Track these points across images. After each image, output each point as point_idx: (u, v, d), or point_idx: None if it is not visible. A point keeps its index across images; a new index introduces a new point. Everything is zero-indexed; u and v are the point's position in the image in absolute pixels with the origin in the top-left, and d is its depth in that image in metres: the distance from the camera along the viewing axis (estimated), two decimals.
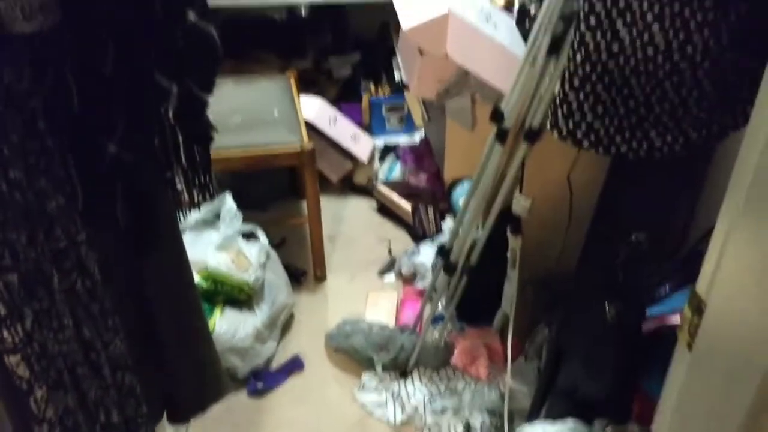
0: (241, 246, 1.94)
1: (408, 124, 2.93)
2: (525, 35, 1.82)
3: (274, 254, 2.09)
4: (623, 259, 1.24)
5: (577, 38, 0.99)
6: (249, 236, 2.03)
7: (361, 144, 2.69)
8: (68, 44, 0.89)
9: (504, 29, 1.80)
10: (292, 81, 2.45)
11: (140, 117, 1.07)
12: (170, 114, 1.13)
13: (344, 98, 2.97)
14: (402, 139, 2.88)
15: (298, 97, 2.37)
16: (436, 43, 1.64)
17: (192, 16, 1.12)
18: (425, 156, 2.64)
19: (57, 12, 0.79)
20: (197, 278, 1.77)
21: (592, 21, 0.96)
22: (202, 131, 1.22)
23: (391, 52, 2.73)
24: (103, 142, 1.01)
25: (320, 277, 2.27)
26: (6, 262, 0.81)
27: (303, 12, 3.01)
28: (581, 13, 0.98)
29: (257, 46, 2.90)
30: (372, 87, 2.94)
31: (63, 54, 0.89)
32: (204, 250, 1.86)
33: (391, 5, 1.82)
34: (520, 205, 1.59)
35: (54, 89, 0.91)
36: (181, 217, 1.28)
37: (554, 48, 1.34)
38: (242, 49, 2.83)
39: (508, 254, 1.68)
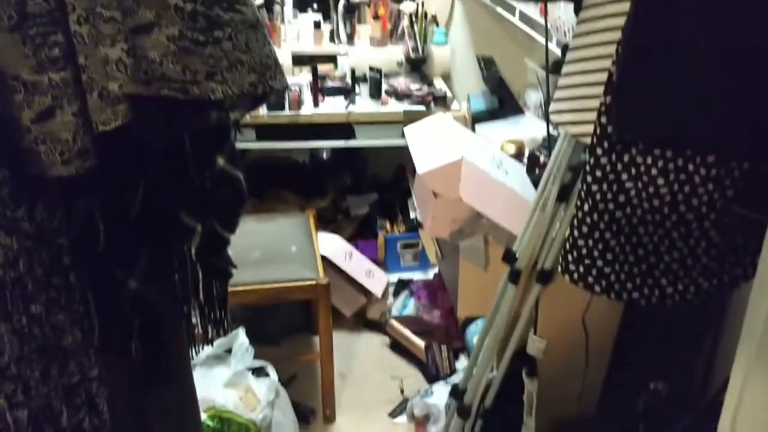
0: (250, 382, 1.90)
1: (422, 261, 2.97)
2: (535, 181, 1.89)
3: (283, 391, 2.04)
4: (643, 409, 1.20)
5: (584, 188, 1.04)
6: (259, 371, 2.00)
7: (375, 279, 2.71)
8: (101, 187, 0.94)
9: (515, 175, 1.88)
10: (311, 219, 2.53)
11: (163, 254, 1.11)
12: (192, 251, 1.16)
13: (361, 235, 3.04)
14: (416, 276, 2.90)
15: (316, 233, 2.43)
16: (450, 187, 1.71)
17: (221, 161, 1.19)
18: (439, 292, 2.65)
19: (94, 157, 0.85)
20: (203, 416, 1.73)
21: (598, 173, 1.00)
22: (221, 267, 1.25)
23: (407, 193, 2.84)
24: (125, 278, 1.04)
25: (329, 417, 2.20)
26: (17, 399, 0.80)
27: (324, 155, 3.16)
28: (587, 166, 1.03)
29: (280, 185, 3.03)
30: (388, 225, 3.01)
31: (94, 195, 0.95)
32: (213, 387, 1.83)
33: (407, 150, 1.93)
34: (535, 346, 1.57)
35: (82, 227, 0.95)
36: (194, 353, 1.27)
37: (563, 195, 1.39)
38: (265, 188, 2.96)
39: (524, 398, 1.64)
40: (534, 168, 2.01)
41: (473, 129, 2.38)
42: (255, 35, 0.85)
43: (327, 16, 3.03)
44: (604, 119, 0.99)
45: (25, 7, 0.76)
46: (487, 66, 2.39)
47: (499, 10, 2.22)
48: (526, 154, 2.14)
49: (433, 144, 1.83)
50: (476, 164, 1.75)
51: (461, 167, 1.72)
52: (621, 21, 0.96)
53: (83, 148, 0.84)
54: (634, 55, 0.94)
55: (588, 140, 1.04)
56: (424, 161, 1.77)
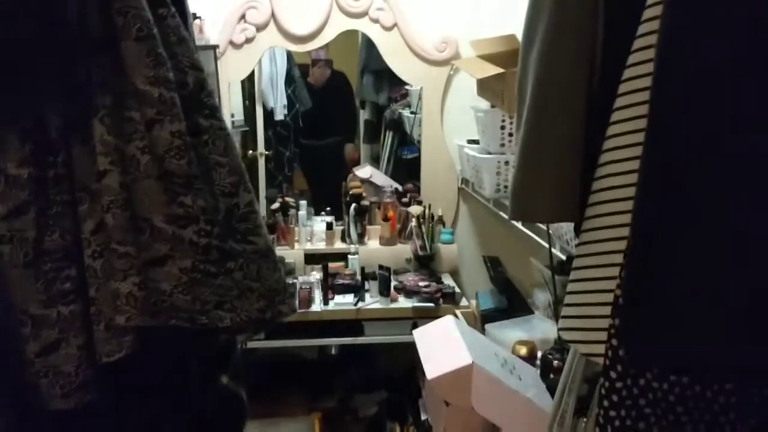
0: None
1: None
2: (549, 387, 1.83)
3: None
4: None
5: (602, 414, 0.99)
6: None
7: None
8: (102, 417, 0.91)
9: (528, 380, 1.81)
10: (317, 424, 2.42)
11: None
12: None
13: None
14: None
15: None
16: (461, 395, 1.64)
17: (224, 379, 1.17)
18: None
19: (95, 390, 0.83)
20: None
21: (614, 398, 0.96)
22: None
23: (418, 392, 2.73)
24: None
25: None
26: None
27: (333, 350, 3.12)
28: (602, 389, 0.99)
29: (286, 383, 2.95)
30: (397, 428, 2.87)
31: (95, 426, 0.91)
32: None
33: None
34: None
35: None
36: None
37: (581, 409, 1.33)
38: (271, 387, 2.88)
39: None
40: (548, 373, 1.95)
41: (483, 328, 2.36)
42: (266, 263, 0.88)
43: (339, 218, 3.16)
44: (615, 341, 0.98)
45: (42, 244, 0.80)
46: (494, 266, 2.43)
47: (502, 214, 2.31)
48: (539, 356, 2.09)
49: (442, 347, 1.80)
50: (488, 370, 1.70)
51: (472, 373, 1.67)
52: (622, 233, 0.98)
53: (84, 381, 0.82)
54: (640, 276, 0.95)
55: (600, 361, 1.01)
56: (433, 366, 1.72)
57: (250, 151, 3.30)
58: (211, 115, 0.85)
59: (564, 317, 1.13)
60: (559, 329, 1.15)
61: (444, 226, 3.12)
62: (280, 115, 3.41)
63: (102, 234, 0.79)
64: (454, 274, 3.10)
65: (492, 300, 2.44)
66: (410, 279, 2.89)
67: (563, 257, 1.95)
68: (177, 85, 0.83)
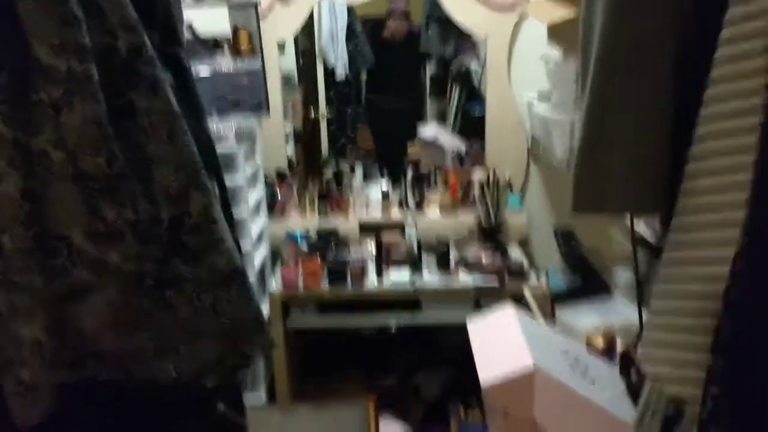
0: None
1: None
2: (630, 388, 1.55)
3: None
4: None
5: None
6: None
7: None
8: None
9: (604, 382, 1.54)
10: (371, 409, 2.24)
11: None
12: None
13: (431, 419, 2.69)
14: None
15: (376, 426, 2.14)
16: (522, 405, 1.40)
17: (221, 406, 0.98)
18: None
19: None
20: None
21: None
22: None
23: None
24: None
25: None
26: None
27: (393, 328, 2.92)
28: None
29: (342, 361, 2.80)
30: (462, 411, 2.66)
31: None
32: None
33: None
34: None
35: None
36: None
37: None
38: (326, 367, 2.73)
39: None
40: (629, 370, 1.67)
41: (553, 312, 2.08)
42: (227, 291, 0.65)
43: (396, 184, 2.92)
44: (715, 389, 0.70)
45: None
46: (566, 240, 2.13)
47: None
48: (618, 347, 1.80)
49: (500, 347, 1.55)
50: (553, 375, 1.44)
51: (534, 378, 1.41)
52: (730, 235, 0.69)
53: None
54: (756, 298, 0.67)
55: (696, 410, 0.75)
56: (489, 370, 1.48)
57: (312, 115, 3.13)
58: (151, 91, 0.63)
59: (647, 343, 0.86)
60: (640, 359, 0.88)
61: (512, 191, 2.82)
62: (341, 73, 3.22)
63: None
64: (524, 244, 2.82)
65: (563, 279, 2.15)
66: (472, 252, 2.63)
67: (649, 234, 1.64)
68: (101, 53, 0.61)
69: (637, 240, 1.62)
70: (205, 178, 0.66)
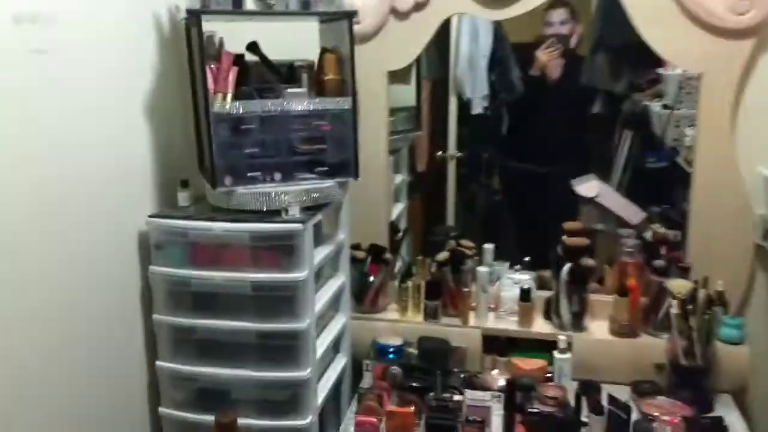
0: None
1: None
2: None
3: None
4: None
5: None
6: None
7: None
8: None
9: None
10: None
11: None
12: None
13: None
14: None
15: None
16: None
17: None
18: None
19: None
20: None
21: None
22: None
23: None
24: None
25: None
26: None
27: None
28: None
29: None
30: None
31: None
32: None
33: None
34: None
35: None
36: None
37: None
38: None
39: None
40: None
41: None
42: None
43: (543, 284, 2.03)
44: None
45: None
46: None
47: None
48: None
49: None
50: None
51: None
52: None
53: None
54: None
55: None
56: None
57: (439, 153, 2.58)
58: None
59: None
60: None
61: (725, 311, 1.82)
62: (478, 107, 2.66)
63: None
64: (739, 395, 1.81)
65: None
66: (659, 404, 1.67)
67: None
68: None
69: None
70: None
